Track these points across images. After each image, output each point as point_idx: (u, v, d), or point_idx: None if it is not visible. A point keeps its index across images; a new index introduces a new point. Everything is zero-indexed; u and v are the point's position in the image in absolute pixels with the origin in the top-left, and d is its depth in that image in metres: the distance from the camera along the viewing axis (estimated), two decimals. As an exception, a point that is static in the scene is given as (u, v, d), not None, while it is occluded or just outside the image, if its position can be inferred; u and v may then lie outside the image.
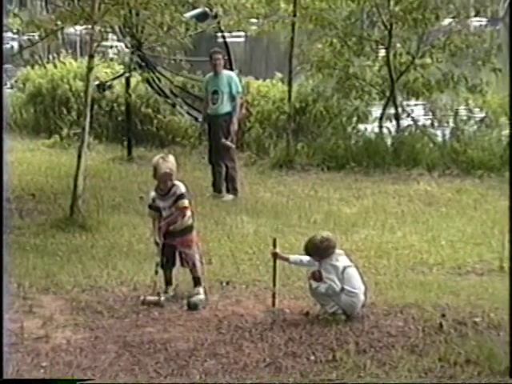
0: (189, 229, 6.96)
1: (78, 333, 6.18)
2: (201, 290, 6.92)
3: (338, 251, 6.53)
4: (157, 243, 6.98)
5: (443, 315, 6.44)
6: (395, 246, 8.93)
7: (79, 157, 9.78)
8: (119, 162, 14.29)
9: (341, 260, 6.47)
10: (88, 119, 9.99)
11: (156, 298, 6.79)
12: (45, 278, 7.46)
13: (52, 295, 7.03)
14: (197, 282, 6.96)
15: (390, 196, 11.78)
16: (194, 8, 14.02)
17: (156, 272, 6.94)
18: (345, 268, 6.42)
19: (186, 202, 6.87)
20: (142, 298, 6.83)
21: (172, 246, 6.95)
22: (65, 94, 16.78)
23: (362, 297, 6.45)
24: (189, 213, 6.93)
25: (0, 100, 7.18)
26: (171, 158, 6.92)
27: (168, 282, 7.05)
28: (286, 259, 6.80)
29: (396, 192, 12.02)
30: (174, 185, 6.85)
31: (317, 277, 6.43)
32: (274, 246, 6.78)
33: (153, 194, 6.97)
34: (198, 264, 6.99)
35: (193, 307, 6.67)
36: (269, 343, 5.97)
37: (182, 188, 6.86)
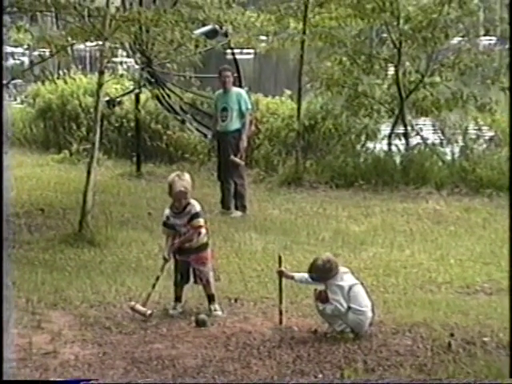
0: (204, 246, 6.99)
1: (86, 348, 6.17)
2: (217, 306, 6.95)
3: (342, 269, 6.53)
4: (165, 259, 6.99)
5: (452, 334, 6.41)
6: (404, 265, 8.90)
7: (88, 172, 9.81)
8: (128, 177, 14.32)
9: (346, 279, 6.45)
10: (97, 135, 10.03)
11: (144, 309, 6.83)
12: (53, 294, 7.46)
13: (60, 310, 7.03)
14: (211, 298, 6.99)
15: (399, 214, 11.76)
16: (204, 25, 14.08)
17: (153, 286, 6.98)
18: (351, 287, 6.40)
19: (201, 221, 6.90)
20: (132, 303, 6.91)
21: (186, 263, 6.98)
22: (75, 110, 16.88)
23: (369, 314, 6.43)
24: (204, 231, 6.95)
25: (0, 116, 7.18)
26: (187, 176, 6.93)
27: (178, 299, 7.05)
28: (292, 277, 6.79)
29: (405, 210, 12.00)
30: (189, 203, 6.87)
31: (323, 298, 6.42)
32: (280, 263, 6.78)
33: (167, 211, 6.98)
34: (211, 281, 7.01)
35: (201, 324, 6.66)
36: (277, 361, 5.95)
37: (197, 207, 6.88)
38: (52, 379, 5.59)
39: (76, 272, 8.41)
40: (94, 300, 7.30)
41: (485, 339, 6.34)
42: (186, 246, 6.91)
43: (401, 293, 7.87)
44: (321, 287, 6.50)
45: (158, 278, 7.00)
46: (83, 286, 7.75)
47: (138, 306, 6.87)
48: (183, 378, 5.66)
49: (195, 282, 7.03)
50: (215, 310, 6.92)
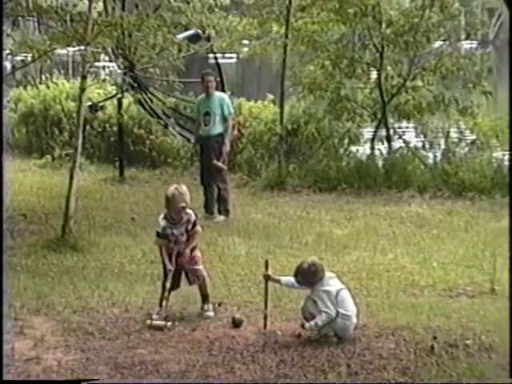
0: (194, 247, 7.04)
1: (69, 354, 6.15)
2: (210, 306, 7.01)
3: (328, 274, 6.54)
4: (170, 270, 6.97)
5: (434, 337, 6.44)
6: (387, 268, 8.93)
7: (71, 177, 9.78)
8: (111, 182, 14.29)
9: (332, 283, 6.47)
10: (80, 140, 10.01)
11: (163, 323, 6.78)
12: (36, 299, 7.43)
13: (43, 316, 7.00)
14: (205, 299, 7.04)
15: (382, 218, 11.79)
16: (187, 29, 14.10)
17: (166, 299, 6.95)
18: (338, 292, 6.42)
19: (199, 228, 7.03)
20: (148, 322, 6.81)
21: (178, 269, 6.99)
22: (57, 115, 16.83)
23: (354, 319, 6.45)
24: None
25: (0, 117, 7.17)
26: (185, 188, 7.02)
27: (161, 304, 7.02)
28: (278, 281, 6.81)
29: (387, 214, 12.03)
30: (186, 213, 6.94)
31: (309, 318, 6.43)
32: (266, 268, 6.79)
33: (163, 222, 6.99)
34: (207, 280, 7.07)
35: (238, 323, 6.74)
36: (260, 365, 5.95)
37: (193, 215, 6.99)
38: (52, 379, 5.57)
39: (59, 277, 8.38)
40: (77, 305, 7.28)
41: (467, 342, 6.37)
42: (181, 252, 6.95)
43: (384, 296, 7.89)
44: (307, 292, 6.51)
45: (169, 291, 6.99)
46: (66, 292, 7.73)
47: (156, 322, 6.79)
48: (167, 383, 5.66)
49: (190, 283, 7.06)
50: (207, 311, 6.96)
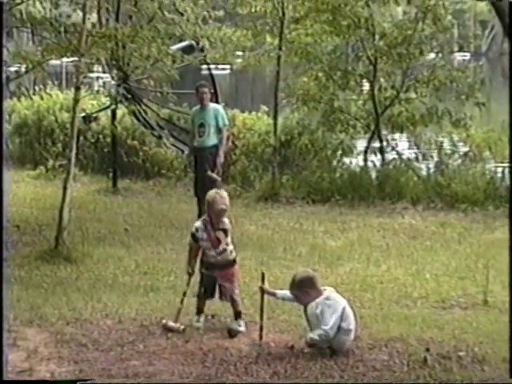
0: (230, 263, 7.03)
1: (63, 366, 6.14)
2: (241, 323, 6.97)
3: (329, 289, 6.56)
4: (189, 274, 7.07)
5: (427, 349, 6.44)
6: (380, 280, 8.94)
7: (65, 188, 9.78)
8: (104, 193, 14.29)
9: (333, 298, 6.46)
10: (74, 151, 10.02)
11: (177, 325, 6.88)
12: (29, 311, 7.42)
13: (36, 328, 6.99)
14: (237, 315, 7.02)
15: (375, 229, 11.81)
16: (181, 41, 14.12)
17: (181, 301, 7.04)
18: (344, 308, 6.41)
19: (223, 237, 6.96)
20: (164, 321, 6.93)
21: (212, 278, 7.02)
22: (50, 126, 16.84)
23: (353, 335, 6.45)
24: (231, 247, 7.01)
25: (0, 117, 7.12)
26: (225, 193, 7.05)
27: (200, 311, 7.11)
28: (273, 294, 6.81)
29: (381, 225, 12.05)
30: (223, 221, 6.98)
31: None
32: (263, 280, 6.79)
33: (199, 224, 7.04)
34: (237, 299, 7.05)
35: (234, 334, 6.79)
36: (254, 377, 5.95)
37: (227, 224, 6.98)
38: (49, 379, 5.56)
39: (52, 289, 8.37)
40: (71, 317, 7.26)
41: (460, 354, 6.38)
42: (211, 261, 6.96)
43: (377, 308, 7.90)
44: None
45: (185, 294, 7.06)
46: (59, 303, 7.72)
47: (170, 323, 6.90)
48: (160, 394, 5.66)
49: (220, 298, 7.08)
50: (240, 326, 6.94)
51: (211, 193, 7.05)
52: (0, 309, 5.43)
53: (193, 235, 7.05)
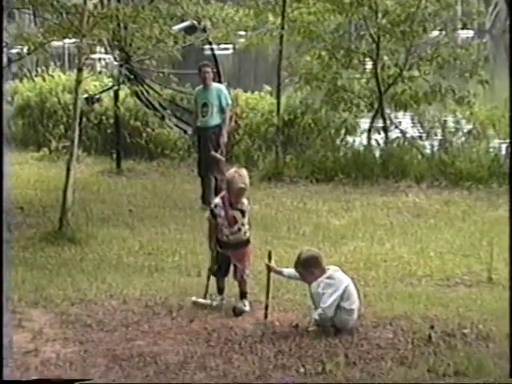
0: (243, 243, 7.03)
1: (68, 346, 6.17)
2: (246, 302, 6.99)
3: (333, 267, 6.56)
4: (212, 249, 7.08)
5: (432, 327, 6.45)
6: (384, 258, 8.94)
7: (68, 170, 9.78)
8: (108, 174, 14.28)
9: (338, 277, 6.46)
10: (77, 132, 10.00)
11: (208, 301, 6.98)
12: (34, 292, 7.44)
13: (41, 309, 7.01)
14: (243, 295, 7.04)
15: (379, 208, 11.80)
16: (183, 21, 14.08)
17: (208, 277, 7.09)
18: (345, 288, 6.42)
19: (240, 217, 6.95)
20: (193, 298, 7.00)
21: (227, 257, 7.04)
22: (53, 107, 16.79)
23: (356, 313, 6.46)
24: (246, 227, 7.01)
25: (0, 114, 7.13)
26: (245, 172, 7.01)
27: (220, 291, 7.14)
28: (280, 272, 6.83)
29: (384, 204, 12.04)
30: (242, 201, 6.97)
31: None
32: (269, 258, 6.81)
33: (218, 200, 7.04)
34: (246, 279, 7.06)
35: (238, 313, 6.82)
36: (258, 356, 5.97)
37: (246, 205, 6.97)
38: (47, 378, 5.58)
39: (56, 270, 8.39)
40: (75, 298, 7.28)
41: (465, 331, 6.39)
42: (224, 240, 6.96)
43: (381, 286, 7.90)
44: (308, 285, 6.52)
45: (210, 270, 7.09)
46: (64, 284, 7.74)
47: (201, 300, 6.97)
48: (165, 374, 5.67)
49: (234, 277, 7.09)
50: (244, 306, 6.95)
51: (230, 171, 7.04)
52: (0, 310, 5.42)
53: (211, 211, 7.04)
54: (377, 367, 5.75)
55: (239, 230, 6.95)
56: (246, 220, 6.97)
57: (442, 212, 11.50)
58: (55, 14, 10.69)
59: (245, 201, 6.96)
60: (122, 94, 15.16)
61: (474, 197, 12.48)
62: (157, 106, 15.70)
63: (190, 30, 14.30)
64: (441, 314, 6.80)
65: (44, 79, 17.61)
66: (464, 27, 16.66)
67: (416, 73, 14.65)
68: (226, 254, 7.02)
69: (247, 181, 6.92)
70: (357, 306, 6.47)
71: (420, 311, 6.88)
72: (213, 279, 7.13)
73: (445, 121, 15.30)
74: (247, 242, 7.05)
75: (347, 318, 6.39)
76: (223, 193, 7.09)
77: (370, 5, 14.18)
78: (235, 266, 7.03)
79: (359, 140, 15.13)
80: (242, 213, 6.93)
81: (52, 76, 17.77)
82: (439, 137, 15.05)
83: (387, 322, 6.61)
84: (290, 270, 6.73)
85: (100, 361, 5.89)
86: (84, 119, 14.96)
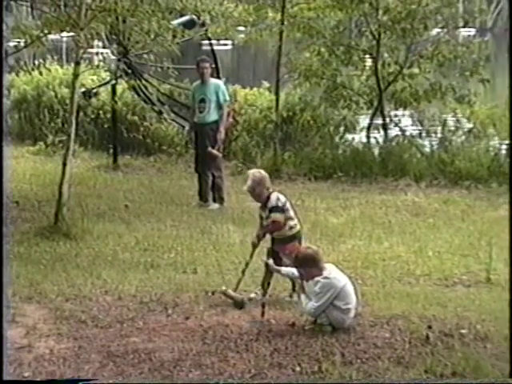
0: (287, 239, 7.05)
1: (62, 342, 6.11)
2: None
3: (330, 266, 6.50)
4: (253, 245, 7.21)
5: (430, 327, 6.40)
6: (382, 257, 8.88)
7: (64, 164, 9.71)
8: (104, 169, 14.22)
9: (332, 277, 6.39)
10: (73, 126, 9.94)
11: (238, 295, 6.96)
12: (28, 287, 7.39)
13: (35, 304, 6.96)
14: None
15: (377, 206, 11.74)
16: (182, 15, 13.99)
17: (243, 271, 7.17)
18: (342, 287, 6.36)
19: (277, 216, 6.99)
20: (223, 288, 7.04)
21: (275, 251, 7.06)
22: (50, 101, 16.73)
23: (353, 312, 6.40)
24: (292, 222, 7.06)
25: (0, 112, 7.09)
26: (257, 174, 7.16)
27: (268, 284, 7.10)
28: (278, 271, 6.78)
29: (383, 202, 11.98)
30: (269, 197, 7.03)
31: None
32: (268, 256, 6.82)
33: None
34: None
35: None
36: (254, 354, 5.90)
37: (273, 201, 7.01)
38: (51, 379, 5.52)
39: (51, 265, 8.33)
40: (70, 293, 7.23)
41: (462, 331, 6.34)
42: (275, 235, 7.06)
43: (379, 285, 7.85)
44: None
45: (247, 265, 7.16)
46: (59, 280, 7.68)
47: (231, 292, 6.98)
48: (160, 371, 5.61)
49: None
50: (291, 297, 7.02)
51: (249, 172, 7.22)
52: (0, 310, 5.37)
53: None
54: (373, 367, 5.68)
55: (284, 225, 7.01)
56: (289, 214, 7.01)
57: (441, 211, 11.45)
58: (53, 6, 10.61)
59: (272, 197, 7.01)
60: (119, 88, 15.10)
61: (473, 196, 12.43)
62: (154, 100, 15.63)
63: (188, 24, 14.23)
64: (439, 314, 6.74)
65: (41, 73, 17.55)
66: (465, 25, 16.61)
67: (416, 70, 14.60)
68: (275, 250, 7.06)
69: (250, 182, 7.03)
70: (354, 305, 6.42)
71: (418, 311, 6.82)
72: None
73: (445, 119, 15.26)
74: (290, 237, 7.06)
75: (343, 317, 6.33)
76: None
77: (371, 1, 14.13)
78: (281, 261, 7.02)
79: (358, 138, 15.10)
80: (270, 210, 6.98)
81: (49, 69, 17.70)
82: (439, 135, 14.99)
83: (384, 321, 6.55)
84: (289, 269, 6.68)
85: (94, 357, 5.83)
86: (81, 113, 14.89)
